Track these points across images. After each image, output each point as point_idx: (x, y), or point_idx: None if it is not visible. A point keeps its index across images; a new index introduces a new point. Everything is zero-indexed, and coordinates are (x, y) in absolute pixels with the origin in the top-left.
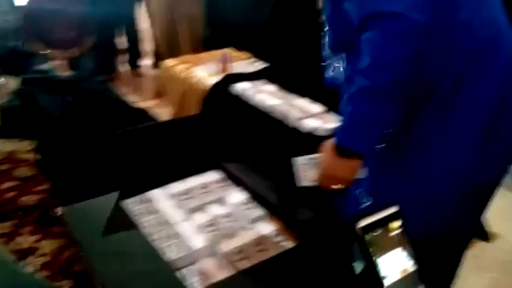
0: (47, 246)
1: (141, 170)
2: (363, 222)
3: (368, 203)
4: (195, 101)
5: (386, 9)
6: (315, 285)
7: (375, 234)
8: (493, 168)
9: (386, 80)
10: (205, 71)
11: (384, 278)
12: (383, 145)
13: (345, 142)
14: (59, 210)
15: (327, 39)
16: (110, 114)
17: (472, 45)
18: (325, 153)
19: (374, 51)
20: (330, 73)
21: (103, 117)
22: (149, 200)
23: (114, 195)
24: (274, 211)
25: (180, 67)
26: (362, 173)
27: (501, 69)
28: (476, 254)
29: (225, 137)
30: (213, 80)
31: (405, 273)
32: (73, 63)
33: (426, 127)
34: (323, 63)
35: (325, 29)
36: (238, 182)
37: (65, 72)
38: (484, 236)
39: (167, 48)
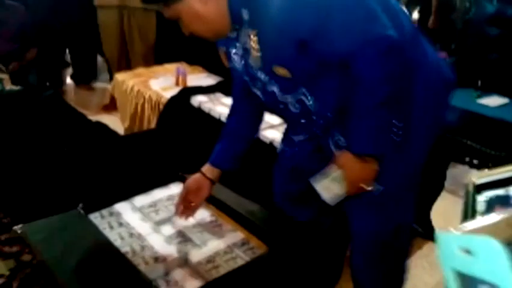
0: (2, 267)
1: (102, 185)
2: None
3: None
4: (150, 114)
5: (380, 33)
6: None
7: None
8: None
9: (389, 92)
10: (159, 85)
11: None
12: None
13: (368, 150)
14: (18, 229)
15: (275, 88)
16: (66, 129)
17: (413, 55)
18: (349, 165)
19: (376, 71)
20: (295, 110)
21: (59, 131)
22: (114, 214)
23: (77, 211)
24: (240, 221)
25: (133, 81)
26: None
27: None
28: (425, 254)
29: (185, 149)
30: (168, 93)
31: None
32: (15, 78)
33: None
34: (280, 106)
35: (264, 81)
36: None
37: (8, 87)
38: (433, 236)
39: (118, 62)
